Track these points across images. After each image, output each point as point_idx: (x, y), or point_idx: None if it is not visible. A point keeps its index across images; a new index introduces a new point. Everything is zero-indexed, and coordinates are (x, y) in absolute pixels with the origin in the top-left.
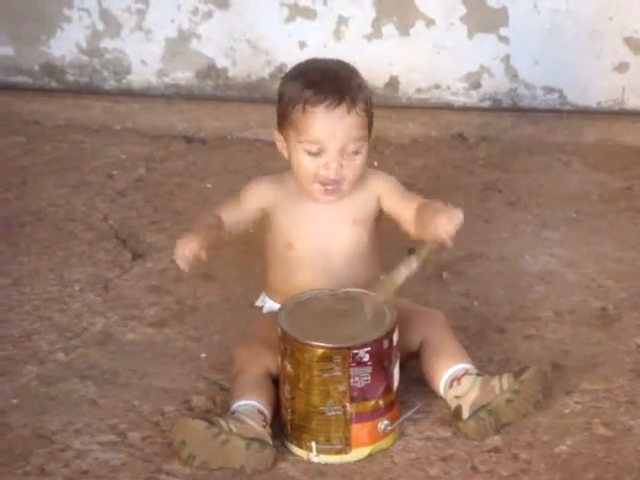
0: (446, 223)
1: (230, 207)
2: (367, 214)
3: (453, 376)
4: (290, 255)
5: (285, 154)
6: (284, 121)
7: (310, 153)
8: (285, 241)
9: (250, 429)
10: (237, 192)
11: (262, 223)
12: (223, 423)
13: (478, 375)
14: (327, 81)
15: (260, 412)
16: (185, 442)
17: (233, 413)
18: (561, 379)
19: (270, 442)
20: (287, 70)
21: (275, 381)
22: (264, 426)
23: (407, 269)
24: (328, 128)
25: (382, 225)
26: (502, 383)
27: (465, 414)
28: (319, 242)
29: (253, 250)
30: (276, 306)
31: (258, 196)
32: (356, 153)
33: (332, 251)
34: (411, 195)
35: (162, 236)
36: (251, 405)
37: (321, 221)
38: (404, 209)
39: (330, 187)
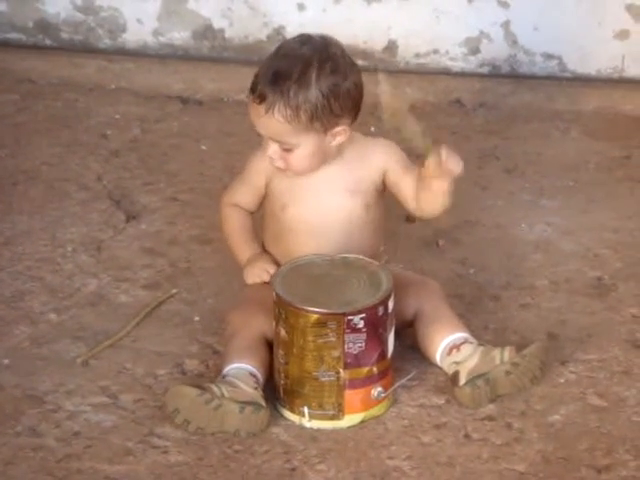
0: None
1: (239, 189)
2: (365, 186)
3: (452, 344)
4: (284, 217)
5: None
6: None
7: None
8: (280, 203)
9: (242, 392)
10: (240, 173)
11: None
12: (215, 388)
13: (480, 345)
14: (269, 73)
15: (252, 374)
16: (178, 410)
17: (224, 377)
18: (556, 348)
19: (264, 404)
20: (285, 33)
21: (271, 344)
22: (256, 388)
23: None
24: (254, 120)
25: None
26: (503, 355)
27: (462, 380)
28: (312, 208)
29: None
30: None
31: (261, 168)
32: (287, 150)
33: (324, 218)
34: (414, 170)
35: (156, 197)
36: (243, 368)
37: (314, 188)
38: (407, 186)
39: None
